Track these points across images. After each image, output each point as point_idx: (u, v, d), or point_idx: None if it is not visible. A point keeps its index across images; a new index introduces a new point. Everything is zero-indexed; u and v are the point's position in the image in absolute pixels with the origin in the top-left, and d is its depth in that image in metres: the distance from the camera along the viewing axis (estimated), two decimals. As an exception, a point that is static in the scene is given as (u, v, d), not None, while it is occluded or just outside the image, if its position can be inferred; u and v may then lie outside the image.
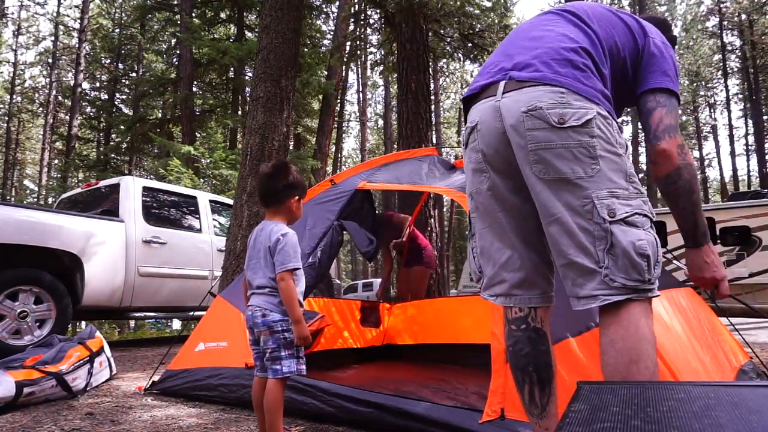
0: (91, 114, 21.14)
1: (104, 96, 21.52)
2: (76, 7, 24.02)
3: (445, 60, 10.63)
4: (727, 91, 26.27)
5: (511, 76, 1.29)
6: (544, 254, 1.35)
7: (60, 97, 23.96)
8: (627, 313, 1.14)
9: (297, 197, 1.90)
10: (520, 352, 1.35)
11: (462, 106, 1.52)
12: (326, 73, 14.27)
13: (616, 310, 1.15)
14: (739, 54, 24.59)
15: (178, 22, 13.98)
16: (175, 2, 14.48)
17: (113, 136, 19.50)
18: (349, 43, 10.90)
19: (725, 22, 24.65)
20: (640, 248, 1.13)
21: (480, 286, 1.44)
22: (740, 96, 26.51)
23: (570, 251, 1.19)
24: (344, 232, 3.01)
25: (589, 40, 1.33)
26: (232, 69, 14.23)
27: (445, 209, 26.68)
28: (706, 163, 29.96)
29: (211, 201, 5.86)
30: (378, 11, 8.45)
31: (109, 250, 4.51)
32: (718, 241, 10.13)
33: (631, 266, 1.13)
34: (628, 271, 1.14)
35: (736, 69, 25.88)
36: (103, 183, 5.31)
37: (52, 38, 25.29)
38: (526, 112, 1.22)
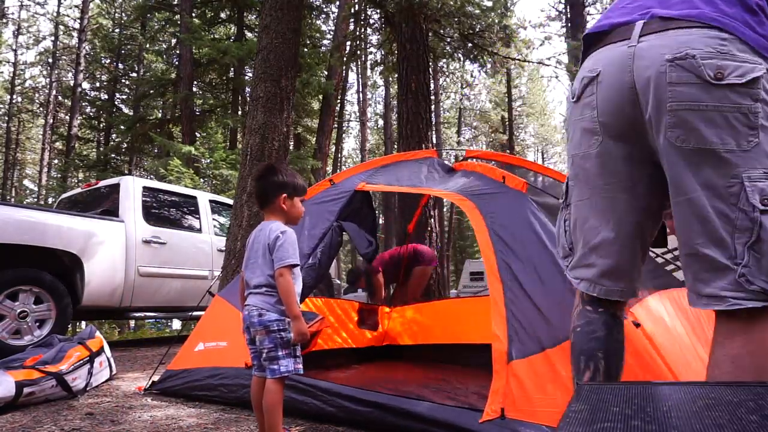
0: (91, 114, 21.13)
1: (104, 96, 21.51)
2: (76, 7, 24.02)
3: (445, 60, 10.61)
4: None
5: (653, 14, 1.03)
6: (645, 242, 1.14)
7: (60, 97, 23.95)
8: (759, 325, 0.92)
9: (285, 195, 1.88)
10: (593, 333, 1.14)
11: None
12: (326, 73, 14.27)
13: (746, 319, 0.93)
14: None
15: (178, 22, 13.97)
16: (175, 2, 14.47)
17: (113, 136, 19.49)
18: (349, 43, 10.89)
19: (725, 23, 24.65)
20: None
21: (566, 264, 1.24)
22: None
23: (699, 240, 0.97)
24: (344, 233, 3.01)
25: None
26: (232, 69, 14.23)
27: (445, 209, 26.67)
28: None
29: (211, 201, 5.86)
30: (378, 11, 8.45)
31: (109, 250, 4.51)
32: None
33: None
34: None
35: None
36: (103, 183, 5.31)
37: (52, 38, 25.29)
38: (671, 61, 0.96)
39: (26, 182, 29.96)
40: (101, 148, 19.20)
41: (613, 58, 1.06)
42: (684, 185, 0.98)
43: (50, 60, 24.83)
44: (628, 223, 1.11)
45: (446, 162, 3.15)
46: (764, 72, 0.94)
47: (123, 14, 21.66)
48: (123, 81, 21.17)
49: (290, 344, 1.76)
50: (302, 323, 1.73)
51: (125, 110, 20.19)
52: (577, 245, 1.19)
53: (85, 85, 21.21)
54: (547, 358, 1.79)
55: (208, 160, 11.29)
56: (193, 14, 13.24)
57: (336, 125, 19.18)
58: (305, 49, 12.75)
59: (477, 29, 8.24)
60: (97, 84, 22.44)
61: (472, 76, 26.31)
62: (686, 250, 1.00)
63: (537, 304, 1.92)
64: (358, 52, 10.78)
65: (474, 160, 3.12)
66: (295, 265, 1.80)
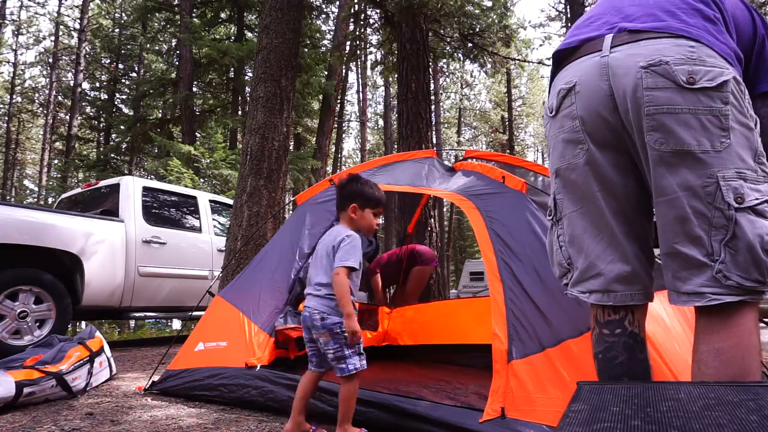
0: (91, 114, 21.13)
1: (104, 96, 21.51)
2: (76, 7, 24.04)
3: (445, 60, 10.62)
4: (727, 91, 26.26)
5: (621, 28, 1.08)
6: (647, 243, 1.14)
7: (60, 97, 23.94)
8: (738, 318, 0.96)
9: (355, 205, 1.98)
10: (614, 360, 1.12)
11: (551, 68, 1.25)
12: (326, 73, 14.27)
13: (725, 314, 0.97)
14: (739, 54, 24.60)
15: (178, 22, 13.98)
16: (175, 2, 14.47)
17: (113, 136, 19.49)
18: (349, 43, 10.89)
19: (725, 23, 24.67)
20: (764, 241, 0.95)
21: (566, 281, 1.22)
22: (740, 96, 26.51)
23: (677, 239, 1.01)
24: None
25: None
26: (232, 69, 14.23)
27: (445, 209, 26.67)
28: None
29: (211, 201, 5.86)
30: (378, 11, 8.45)
31: (109, 250, 4.51)
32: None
33: (754, 264, 0.95)
34: (749, 270, 0.96)
35: (736, 69, 25.87)
36: (103, 183, 5.31)
37: (52, 38, 25.29)
38: (646, 68, 1.00)
39: (26, 182, 29.97)
40: (101, 148, 19.20)
41: (587, 69, 1.09)
42: (663, 187, 1.02)
43: (50, 60, 24.83)
44: (626, 227, 1.12)
45: (446, 162, 3.15)
46: (732, 76, 1.00)
47: (123, 14, 21.66)
48: (123, 81, 21.17)
49: (354, 343, 1.84)
50: (354, 322, 1.80)
51: (125, 110, 20.20)
52: (578, 258, 1.18)
53: (85, 85, 21.21)
54: (547, 358, 1.79)
55: (208, 160, 11.29)
56: (193, 14, 13.24)
57: (336, 125, 19.17)
58: (305, 49, 12.75)
59: (477, 29, 8.24)
60: (97, 84, 22.44)
61: (472, 76, 26.36)
62: (666, 250, 1.04)
63: (537, 303, 1.92)
64: (358, 52, 10.77)
65: (473, 160, 3.12)
66: (353, 269, 1.86)
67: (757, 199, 0.97)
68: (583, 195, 1.14)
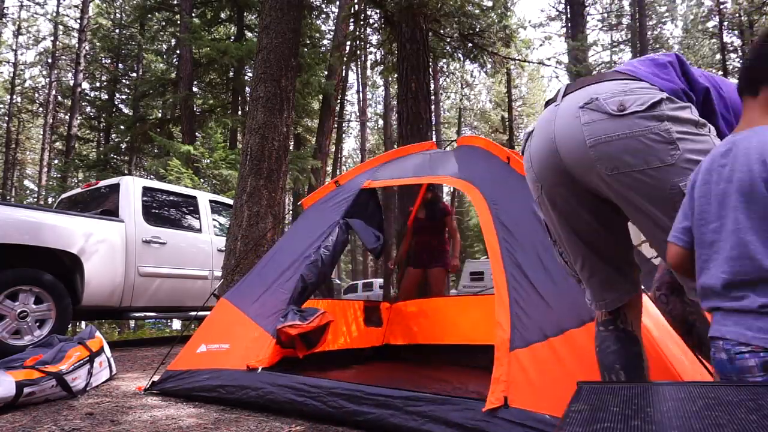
0: (91, 114, 21.14)
1: (104, 96, 21.52)
2: (75, 7, 24.02)
3: (445, 60, 10.62)
4: (727, 91, 26.26)
5: (577, 80, 1.22)
6: (621, 250, 1.27)
7: (60, 97, 23.95)
8: None
9: None
10: (607, 349, 1.28)
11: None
12: (326, 73, 14.27)
13: None
14: (740, 54, 24.60)
15: (178, 22, 13.98)
16: (175, 2, 14.48)
17: (113, 136, 19.49)
18: (349, 43, 10.89)
19: (725, 23, 24.66)
20: None
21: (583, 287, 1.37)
22: (740, 96, 26.49)
23: (662, 250, 1.12)
24: (350, 231, 3.01)
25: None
26: (232, 69, 14.23)
27: (445, 209, 26.61)
28: (706, 163, 29.95)
29: (211, 201, 5.86)
30: (378, 11, 8.45)
31: (109, 250, 4.51)
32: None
33: None
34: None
35: (736, 69, 25.86)
36: (103, 183, 5.31)
37: (52, 38, 25.29)
38: (582, 107, 1.11)
39: (26, 182, 29.97)
40: (101, 148, 19.20)
41: (543, 117, 1.23)
42: (634, 206, 1.11)
43: (50, 60, 24.82)
44: (598, 245, 1.24)
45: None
46: (664, 96, 1.07)
47: (123, 14, 21.66)
48: (123, 81, 21.17)
49: None
50: None
51: (125, 110, 20.20)
52: (577, 273, 1.34)
53: (85, 85, 21.22)
54: (550, 347, 1.79)
55: (208, 160, 11.29)
56: (193, 14, 13.24)
57: (336, 125, 19.17)
58: (305, 49, 12.75)
59: (477, 29, 8.24)
60: (97, 84, 22.44)
61: (472, 76, 26.35)
62: (658, 255, 1.20)
63: (540, 292, 1.92)
64: (358, 52, 10.78)
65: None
66: None
67: None
68: (555, 223, 1.28)
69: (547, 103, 1.30)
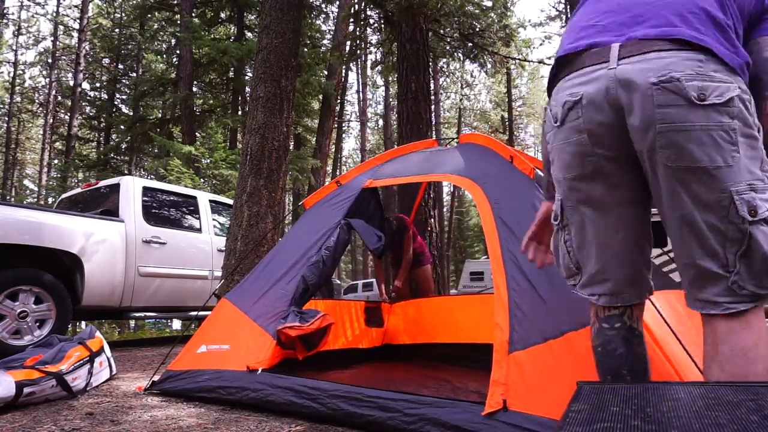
0: (91, 114, 21.14)
1: (104, 96, 21.52)
2: (75, 7, 24.02)
3: (445, 60, 10.63)
4: (727, 91, 26.26)
5: (630, 37, 1.08)
6: (647, 248, 1.21)
7: (60, 97, 23.95)
8: (754, 318, 1.02)
9: None
10: (614, 352, 1.18)
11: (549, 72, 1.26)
12: (326, 73, 14.27)
13: (742, 317, 1.02)
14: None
15: (178, 21, 13.98)
16: (175, 2, 14.48)
17: (113, 136, 19.49)
18: (349, 43, 10.89)
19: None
20: None
21: (573, 282, 1.29)
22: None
23: (696, 253, 1.05)
24: (351, 231, 3.00)
25: None
26: (232, 69, 14.23)
27: (445, 209, 26.68)
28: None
29: (211, 201, 5.86)
30: (378, 11, 8.45)
31: (109, 250, 4.51)
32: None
33: (767, 273, 0.99)
34: (763, 279, 1.00)
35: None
36: (103, 183, 5.31)
37: (52, 38, 25.29)
38: (657, 84, 1.01)
39: (26, 182, 29.97)
40: (101, 148, 19.20)
41: (594, 82, 1.10)
42: (676, 202, 1.05)
43: (50, 60, 24.82)
44: (636, 232, 1.18)
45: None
46: (738, 91, 1.02)
47: (123, 14, 21.66)
48: (123, 81, 21.17)
49: None
50: None
51: (125, 110, 20.20)
52: (587, 263, 1.22)
53: (85, 85, 21.23)
54: (550, 349, 1.78)
55: (208, 160, 11.29)
56: (193, 14, 13.24)
57: (336, 125, 19.18)
58: (305, 49, 12.75)
59: (477, 29, 8.24)
60: (97, 84, 22.44)
61: (472, 76, 26.35)
62: (685, 260, 1.09)
63: (541, 294, 1.91)
64: (358, 52, 10.78)
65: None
66: None
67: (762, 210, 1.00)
68: (591, 205, 1.17)
69: (568, 58, 1.18)
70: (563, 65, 1.22)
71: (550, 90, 1.30)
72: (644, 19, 1.08)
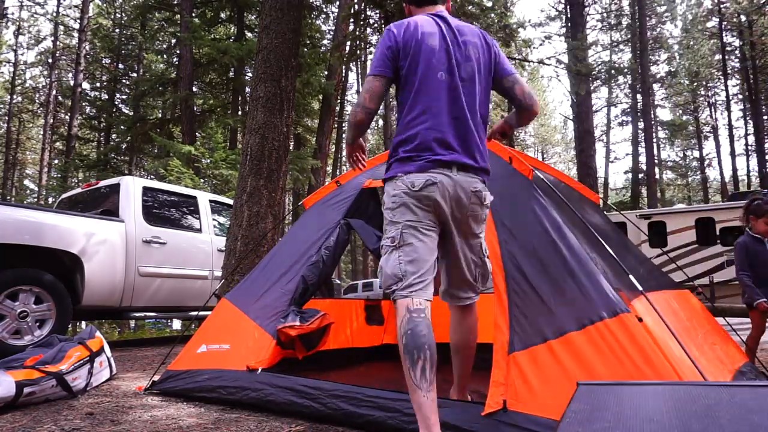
0: (91, 114, 21.15)
1: (104, 96, 21.53)
2: (76, 7, 24.02)
3: (445, 60, 10.59)
4: (727, 91, 26.28)
5: (461, 162, 1.78)
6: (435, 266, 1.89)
7: (60, 97, 23.95)
8: (475, 307, 1.99)
9: None
10: (420, 333, 1.62)
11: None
12: (326, 73, 14.27)
13: (472, 306, 1.97)
14: (739, 54, 24.60)
15: (178, 21, 13.98)
16: (175, 2, 14.48)
17: (113, 136, 19.50)
18: (349, 43, 10.90)
19: (725, 23, 24.66)
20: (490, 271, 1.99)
21: (395, 288, 1.74)
22: (740, 96, 26.52)
23: (464, 274, 1.89)
24: (351, 231, 3.00)
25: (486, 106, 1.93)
26: (232, 69, 14.23)
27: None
28: (706, 163, 29.97)
29: (211, 201, 5.86)
30: (378, 11, 8.45)
31: (109, 250, 4.51)
32: (718, 240, 10.13)
33: (486, 280, 1.93)
34: (484, 283, 1.94)
35: (736, 69, 25.88)
36: (103, 183, 5.31)
37: (52, 38, 25.29)
38: (472, 192, 1.79)
39: (26, 182, 29.97)
40: (101, 148, 19.21)
41: (446, 179, 1.76)
42: (462, 248, 1.87)
43: (50, 60, 24.82)
44: (434, 256, 1.85)
45: None
46: (492, 198, 1.90)
47: (123, 14, 21.67)
48: (123, 81, 21.17)
49: None
50: None
51: (125, 110, 20.21)
52: (410, 273, 1.73)
53: (85, 85, 21.23)
54: (549, 349, 1.79)
55: (208, 160, 11.29)
56: (193, 14, 13.24)
57: (336, 125, 19.17)
58: (305, 49, 12.75)
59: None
60: (97, 84, 22.45)
61: (472, 76, 26.27)
62: (460, 277, 1.91)
63: (540, 295, 1.92)
64: (358, 52, 10.78)
65: None
66: None
67: (487, 252, 1.96)
68: (421, 239, 1.77)
69: (435, 160, 1.83)
70: (430, 163, 1.87)
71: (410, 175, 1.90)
72: (467, 150, 1.85)
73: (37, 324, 3.96)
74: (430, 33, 1.81)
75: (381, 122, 28.74)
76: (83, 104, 20.46)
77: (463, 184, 1.75)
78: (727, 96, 26.32)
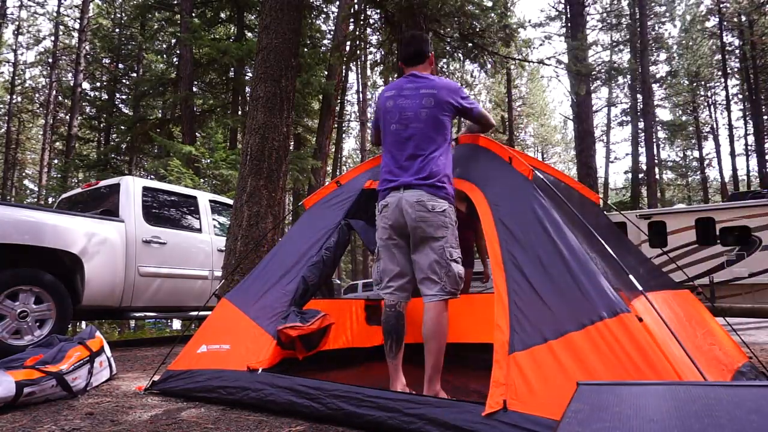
0: (91, 114, 21.13)
1: (104, 96, 21.51)
2: (76, 7, 24.03)
3: (445, 60, 10.62)
4: (727, 91, 26.28)
5: (406, 182, 2.30)
6: (411, 271, 2.39)
7: (60, 97, 23.94)
8: (442, 305, 2.27)
9: None
10: (389, 322, 2.38)
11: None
12: (326, 73, 14.27)
13: (438, 303, 2.26)
14: (739, 54, 24.60)
15: (178, 21, 13.98)
16: (175, 2, 14.48)
17: (113, 136, 19.49)
18: (349, 43, 10.89)
19: (725, 23, 24.66)
20: (459, 274, 2.27)
21: (377, 289, 2.38)
22: (740, 96, 26.52)
23: (430, 273, 2.26)
24: (351, 231, 3.00)
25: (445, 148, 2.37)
26: (232, 69, 14.23)
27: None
28: (706, 163, 29.97)
29: (211, 201, 5.86)
30: (378, 11, 8.45)
31: (109, 250, 4.51)
32: (718, 240, 10.13)
33: (454, 283, 2.26)
34: (453, 284, 2.26)
35: (736, 69, 25.88)
36: (103, 183, 5.31)
37: (52, 38, 25.28)
38: (416, 202, 2.25)
39: (26, 182, 29.97)
40: (101, 148, 19.20)
41: (394, 199, 2.32)
42: (423, 251, 2.28)
43: (50, 60, 24.82)
44: (404, 265, 2.39)
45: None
46: (447, 205, 2.28)
47: (123, 14, 21.66)
48: (123, 81, 21.16)
49: None
50: None
51: (125, 110, 20.20)
52: (384, 278, 2.42)
53: (85, 85, 21.23)
54: (550, 350, 1.79)
55: (208, 160, 11.29)
56: (193, 14, 13.24)
57: (336, 125, 19.18)
58: (305, 49, 12.75)
59: (477, 29, 8.24)
60: (97, 84, 22.44)
61: (472, 76, 26.34)
62: (423, 275, 2.28)
63: (541, 295, 1.92)
64: (358, 52, 10.78)
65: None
66: None
67: (453, 256, 2.26)
68: (389, 252, 2.40)
69: (387, 186, 2.48)
70: (385, 188, 2.48)
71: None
72: (410, 172, 2.39)
73: (37, 324, 3.96)
74: (390, 96, 2.42)
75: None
76: (83, 104, 20.45)
77: (408, 198, 2.26)
78: (727, 96, 26.32)
